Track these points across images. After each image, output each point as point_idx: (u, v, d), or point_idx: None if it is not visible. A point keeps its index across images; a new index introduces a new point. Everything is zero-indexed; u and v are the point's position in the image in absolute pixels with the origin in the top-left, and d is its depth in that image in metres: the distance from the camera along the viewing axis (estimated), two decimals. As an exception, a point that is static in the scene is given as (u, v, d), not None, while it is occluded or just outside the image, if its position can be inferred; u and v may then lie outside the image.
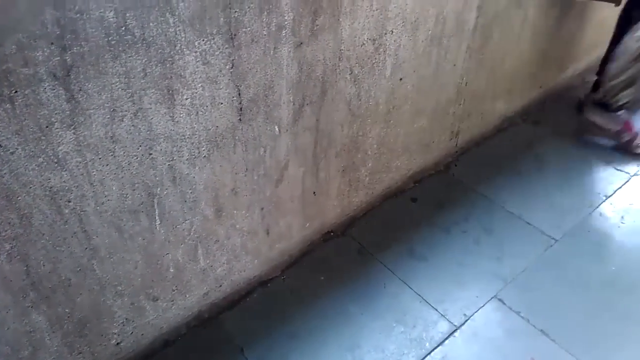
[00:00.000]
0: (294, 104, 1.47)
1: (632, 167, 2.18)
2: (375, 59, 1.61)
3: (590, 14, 2.39)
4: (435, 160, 2.18)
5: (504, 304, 1.70)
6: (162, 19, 1.06)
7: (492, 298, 1.72)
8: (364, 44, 1.54)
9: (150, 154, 1.21)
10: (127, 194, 1.23)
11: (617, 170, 2.17)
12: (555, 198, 2.06)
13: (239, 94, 1.30)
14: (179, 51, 1.12)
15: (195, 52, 1.15)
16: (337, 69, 1.52)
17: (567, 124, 2.41)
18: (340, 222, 1.94)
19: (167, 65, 1.12)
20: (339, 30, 1.44)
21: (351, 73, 1.57)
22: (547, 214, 1.99)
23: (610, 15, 2.54)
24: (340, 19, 1.42)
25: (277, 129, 1.47)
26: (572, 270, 1.81)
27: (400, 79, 1.74)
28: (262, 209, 1.59)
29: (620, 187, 2.10)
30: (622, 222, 1.96)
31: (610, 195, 2.06)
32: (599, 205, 2.03)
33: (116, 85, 1.08)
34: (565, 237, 1.91)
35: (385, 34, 1.57)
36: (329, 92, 1.54)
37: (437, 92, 1.92)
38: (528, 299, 1.72)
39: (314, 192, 1.75)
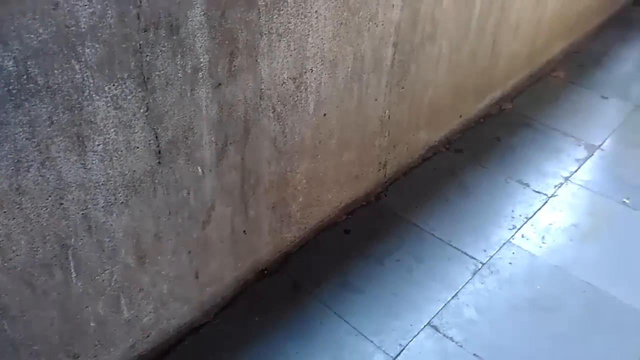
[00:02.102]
0: (216, 144, 1.46)
1: (549, 189, 2.30)
2: (297, 96, 1.63)
3: (500, 48, 2.55)
4: (366, 191, 2.21)
5: (438, 330, 1.73)
6: (67, 65, 1.03)
7: (425, 326, 1.74)
8: (284, 82, 1.56)
9: (62, 203, 1.16)
10: (37, 248, 1.16)
11: (536, 192, 2.29)
12: (480, 223, 2.14)
13: (156, 137, 1.28)
14: (88, 97, 1.09)
15: (106, 97, 1.12)
16: (259, 108, 1.53)
17: (487, 150, 2.53)
18: (274, 259, 1.92)
19: (76, 112, 1.09)
20: (257, 70, 1.45)
21: (274, 111, 1.58)
22: (473, 239, 2.06)
23: (520, 50, 2.73)
24: (259, 60, 1.44)
25: (200, 170, 1.45)
26: (499, 292, 1.87)
27: (324, 115, 1.78)
28: (190, 252, 1.55)
29: (539, 209, 2.21)
30: (543, 242, 2.06)
31: (531, 217, 2.17)
32: (521, 227, 2.12)
33: (20, 135, 1.03)
34: (491, 260, 1.98)
35: (305, 72, 1.61)
36: (252, 131, 1.54)
37: (362, 125, 1.97)
38: (460, 324, 1.75)
39: (244, 231, 1.72)
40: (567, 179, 2.36)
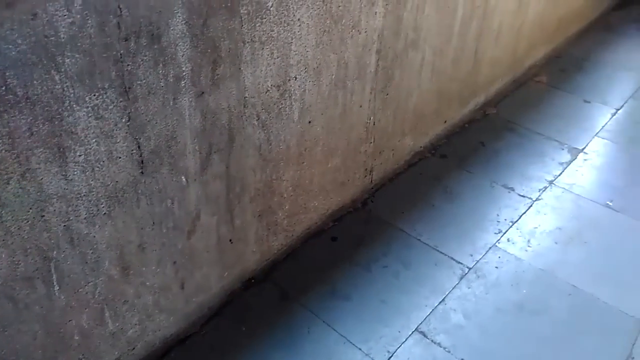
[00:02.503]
0: (200, 153, 1.45)
1: (533, 193, 2.32)
2: (282, 104, 1.63)
3: (483, 53, 2.58)
4: (353, 198, 2.22)
5: (426, 336, 1.73)
6: (47, 76, 1.02)
7: (413, 332, 1.74)
8: (268, 90, 1.56)
9: (43, 215, 1.14)
10: (19, 261, 1.14)
11: (521, 196, 2.31)
12: (467, 227, 2.15)
13: (139, 147, 1.27)
14: (68, 107, 1.08)
15: (87, 107, 1.11)
16: (243, 116, 1.52)
17: (472, 155, 2.55)
18: (261, 268, 1.91)
19: (56, 122, 1.08)
20: (241, 78, 1.45)
21: (258, 119, 1.58)
22: (460, 244, 2.07)
23: (502, 55, 2.76)
24: (242, 68, 1.43)
25: (184, 179, 1.44)
26: (486, 296, 1.87)
27: (309, 122, 1.78)
28: (175, 262, 1.54)
29: (524, 213, 2.22)
30: (528, 246, 2.07)
31: (516, 221, 2.18)
32: (507, 231, 2.13)
33: (-2, 147, 1.01)
34: (478, 264, 1.99)
35: (289, 80, 1.61)
36: (237, 139, 1.54)
37: (347, 132, 1.97)
38: (448, 330, 1.75)
39: (231, 240, 1.71)
40: (551, 182, 2.39)
